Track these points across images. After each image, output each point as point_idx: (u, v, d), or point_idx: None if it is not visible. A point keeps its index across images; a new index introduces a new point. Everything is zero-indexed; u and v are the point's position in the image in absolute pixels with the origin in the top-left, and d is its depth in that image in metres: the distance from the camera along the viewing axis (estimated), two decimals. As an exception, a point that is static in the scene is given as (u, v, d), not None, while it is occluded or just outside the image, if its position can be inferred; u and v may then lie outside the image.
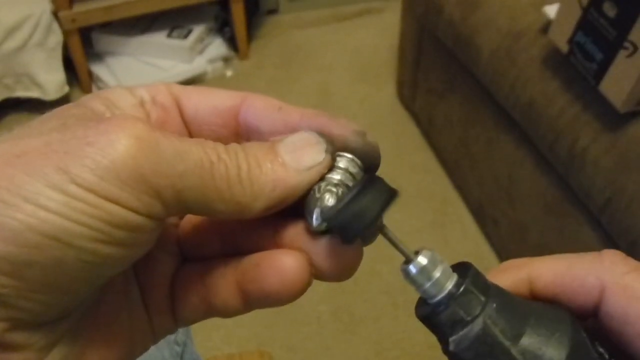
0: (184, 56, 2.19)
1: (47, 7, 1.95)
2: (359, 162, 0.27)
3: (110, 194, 0.22)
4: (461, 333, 0.25)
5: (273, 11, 2.52)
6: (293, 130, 0.27)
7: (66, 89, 2.08)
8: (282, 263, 0.26)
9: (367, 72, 2.24)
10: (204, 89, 0.29)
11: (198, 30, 2.22)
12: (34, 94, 2.03)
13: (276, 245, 0.27)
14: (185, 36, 2.19)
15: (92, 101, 0.27)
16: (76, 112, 0.26)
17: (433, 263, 0.26)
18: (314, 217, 0.26)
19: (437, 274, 0.26)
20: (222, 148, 0.25)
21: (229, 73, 2.27)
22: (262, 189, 0.25)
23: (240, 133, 0.29)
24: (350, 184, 0.26)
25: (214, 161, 0.24)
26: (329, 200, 0.26)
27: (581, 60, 1.10)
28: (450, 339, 0.25)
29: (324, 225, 0.26)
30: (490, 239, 1.65)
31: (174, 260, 0.30)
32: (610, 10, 1.01)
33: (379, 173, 0.28)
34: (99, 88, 2.18)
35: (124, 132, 0.22)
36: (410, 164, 1.89)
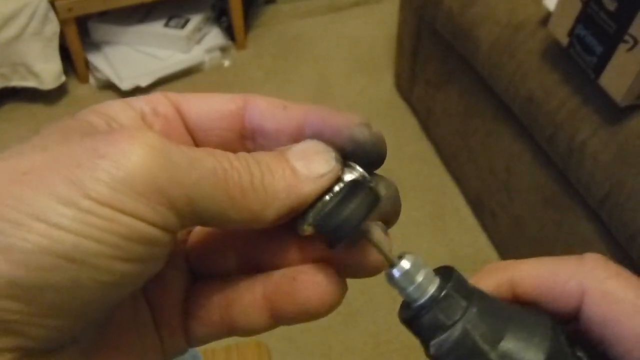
0: (181, 46, 2.18)
1: (43, -4, 1.94)
2: (361, 171, 0.27)
3: (127, 207, 0.21)
4: (441, 337, 0.25)
5: (271, 1, 2.51)
6: (299, 127, 0.27)
7: (63, 78, 2.07)
8: (320, 278, 0.26)
9: (365, 62, 2.24)
10: (203, 94, 0.29)
11: (195, 19, 2.21)
12: (30, 83, 2.02)
13: (302, 258, 0.27)
14: (183, 26, 2.18)
15: (90, 116, 0.26)
16: (76, 125, 0.25)
17: (416, 267, 0.26)
18: (306, 220, 0.26)
19: (419, 278, 0.26)
20: (233, 156, 0.24)
21: (226, 63, 2.26)
22: (275, 197, 0.25)
23: (245, 135, 0.28)
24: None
25: (227, 169, 0.23)
26: (324, 206, 0.26)
27: (581, 54, 1.10)
28: (431, 343, 0.26)
29: (310, 229, 0.26)
30: (488, 231, 1.64)
31: (184, 278, 0.29)
32: (610, 3, 1.01)
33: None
34: (96, 77, 2.17)
35: (136, 142, 0.21)
36: (408, 155, 1.89)
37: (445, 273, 0.27)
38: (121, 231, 0.21)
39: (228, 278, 0.28)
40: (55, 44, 2.01)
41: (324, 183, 0.26)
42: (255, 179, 0.24)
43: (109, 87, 2.16)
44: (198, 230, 0.29)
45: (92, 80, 2.20)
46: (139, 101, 0.27)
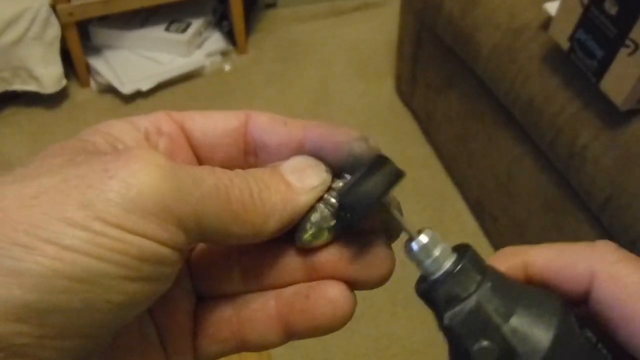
0: (182, 50, 2.18)
1: (45, 0, 1.94)
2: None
3: (138, 227, 0.21)
4: (456, 309, 0.26)
5: (271, 5, 2.51)
6: (300, 142, 0.28)
7: (64, 82, 2.07)
8: (333, 294, 0.27)
9: (366, 67, 2.24)
10: (205, 112, 0.29)
11: (196, 24, 2.21)
12: (31, 87, 2.02)
13: (307, 274, 0.28)
14: (184, 30, 2.19)
15: (93, 136, 0.26)
16: (80, 146, 0.25)
17: (434, 242, 0.27)
18: (306, 227, 0.27)
19: (436, 252, 0.27)
20: (232, 173, 0.25)
21: (227, 67, 2.26)
22: (274, 209, 0.26)
23: (248, 150, 0.29)
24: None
25: (227, 185, 0.24)
26: (321, 214, 0.27)
27: (582, 58, 1.10)
28: (445, 314, 0.26)
29: (309, 238, 0.27)
30: (489, 236, 1.64)
31: (191, 297, 0.29)
32: (611, 8, 1.01)
33: None
34: (97, 82, 2.17)
35: (143, 162, 0.22)
36: (408, 159, 1.89)
37: (461, 249, 0.28)
38: (132, 251, 0.21)
39: (236, 296, 0.29)
40: (56, 48, 2.02)
41: (317, 194, 0.27)
42: (254, 193, 0.25)
43: (110, 91, 2.16)
44: (201, 250, 0.30)
45: (93, 84, 2.20)
46: (143, 120, 0.28)
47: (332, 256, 0.28)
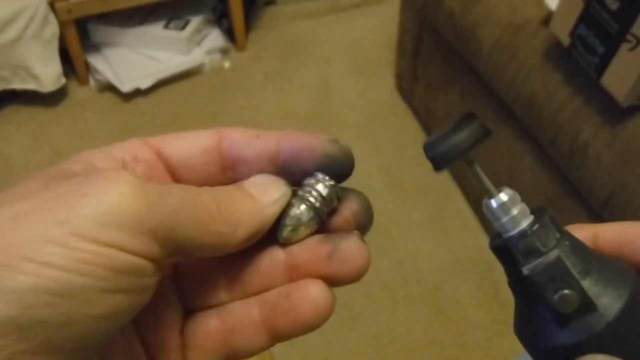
0: (181, 48, 2.18)
1: (43, -2, 1.93)
2: (331, 183, 0.30)
3: (113, 240, 0.22)
4: (537, 261, 0.27)
5: (271, 2, 2.51)
6: (276, 151, 0.29)
7: (63, 80, 2.07)
8: (313, 292, 0.28)
9: (366, 64, 2.23)
10: (178, 133, 0.30)
11: (195, 21, 2.21)
12: (30, 86, 2.02)
13: (290, 276, 0.29)
14: (183, 27, 2.18)
15: (70, 164, 0.27)
16: (56, 173, 0.26)
17: (513, 201, 0.28)
18: (286, 223, 0.29)
19: (515, 211, 0.28)
20: (199, 188, 0.26)
21: (226, 65, 2.25)
22: (241, 219, 0.27)
23: (226, 165, 0.30)
24: (318, 201, 0.29)
25: (195, 198, 0.25)
26: (292, 209, 0.29)
27: (583, 54, 1.09)
28: (525, 267, 0.27)
29: (290, 233, 0.29)
30: (490, 233, 1.64)
31: (178, 312, 0.30)
32: (612, 3, 1.00)
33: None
34: (96, 80, 2.17)
35: (114, 180, 0.23)
36: (409, 156, 1.88)
37: (539, 212, 0.29)
38: (109, 264, 0.22)
39: (221, 306, 0.30)
40: (54, 46, 2.01)
41: (279, 206, 0.28)
42: (221, 205, 0.26)
43: (109, 89, 2.15)
44: (187, 265, 0.31)
45: (92, 82, 2.19)
46: (118, 150, 0.29)
47: (310, 255, 0.29)
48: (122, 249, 0.22)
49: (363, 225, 0.31)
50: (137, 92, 2.12)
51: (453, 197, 1.76)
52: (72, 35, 2.07)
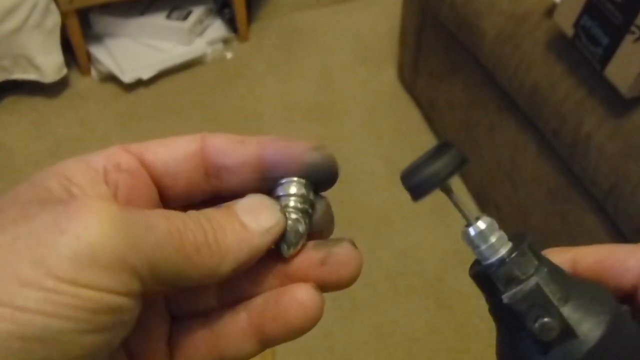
0: (183, 38, 2.17)
1: (44, -12, 1.93)
2: (304, 181, 0.29)
3: (91, 281, 0.21)
4: (516, 289, 0.27)
5: (273, -8, 2.50)
6: (259, 159, 0.29)
7: (64, 70, 2.07)
8: (302, 296, 0.28)
9: (368, 54, 2.23)
10: (162, 140, 0.29)
11: (198, 11, 2.20)
12: (32, 76, 2.02)
13: (280, 281, 0.29)
14: (185, 18, 2.17)
15: (47, 181, 0.25)
16: (32, 195, 0.24)
17: (491, 229, 0.28)
18: (293, 240, 0.29)
19: (493, 239, 0.28)
20: (186, 216, 0.25)
21: (228, 55, 2.25)
22: (228, 251, 0.26)
23: (210, 173, 0.29)
24: (304, 205, 0.29)
25: (181, 230, 0.24)
26: (296, 224, 0.29)
27: (586, 45, 1.09)
28: (504, 295, 0.27)
29: (292, 250, 0.29)
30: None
31: (165, 322, 0.29)
32: (617, -7, 1.00)
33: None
34: (98, 70, 2.17)
35: (95, 213, 0.22)
36: (411, 147, 1.88)
37: (517, 238, 0.29)
38: (87, 305, 0.21)
39: (209, 312, 0.29)
40: (56, 36, 2.01)
41: (272, 235, 0.27)
42: (209, 236, 0.25)
43: (111, 80, 2.15)
44: None
45: (94, 72, 2.19)
46: (99, 158, 0.27)
47: (304, 262, 0.29)
48: (101, 289, 0.21)
49: (322, 231, 0.30)
50: (139, 83, 2.11)
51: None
52: (74, 25, 2.06)
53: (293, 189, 0.29)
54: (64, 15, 2.01)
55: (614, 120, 1.08)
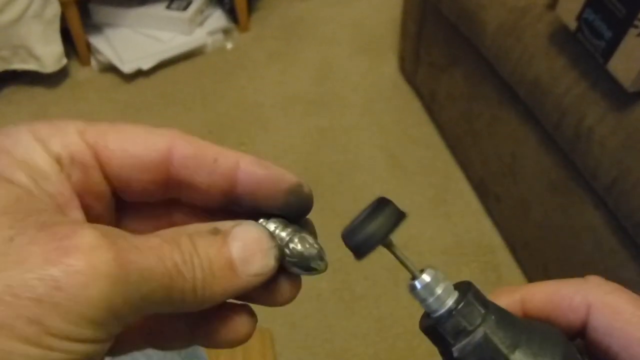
0: (183, 28, 2.16)
1: (43, -22, 1.91)
2: (284, 221, 0.29)
3: (84, 336, 0.21)
4: (464, 341, 0.27)
5: (273, -18, 2.48)
6: (231, 184, 0.27)
7: (64, 61, 2.06)
8: (232, 319, 0.28)
9: (369, 45, 2.22)
10: (124, 132, 0.27)
11: (198, 1, 2.19)
12: (31, 66, 2.01)
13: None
14: (185, 8, 2.16)
15: (12, 171, 0.24)
16: (8, 198, 0.23)
17: (436, 281, 0.28)
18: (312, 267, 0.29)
19: (439, 290, 0.28)
20: (180, 258, 0.24)
21: (229, 45, 2.24)
22: (213, 296, 0.26)
23: (171, 186, 0.28)
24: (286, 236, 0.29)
25: (173, 276, 0.24)
26: (309, 250, 0.29)
27: (589, 38, 1.08)
28: (454, 348, 0.28)
29: (296, 269, 0.29)
30: (493, 216, 1.64)
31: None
32: (620, -14, 0.99)
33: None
34: (98, 60, 2.16)
35: (95, 271, 0.21)
36: (411, 138, 1.88)
37: (463, 286, 0.29)
38: (78, 357, 0.22)
39: (154, 319, 0.29)
40: (56, 26, 1.99)
41: (259, 280, 0.27)
42: (197, 282, 0.25)
43: (111, 70, 2.14)
44: None
45: (93, 62, 2.18)
46: (56, 143, 0.25)
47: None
48: (93, 342, 0.22)
49: (307, 266, 0.30)
50: (139, 73, 2.11)
51: (456, 180, 1.76)
52: (74, 15, 2.05)
53: (272, 227, 0.28)
54: (63, 5, 1.99)
55: (616, 114, 1.07)
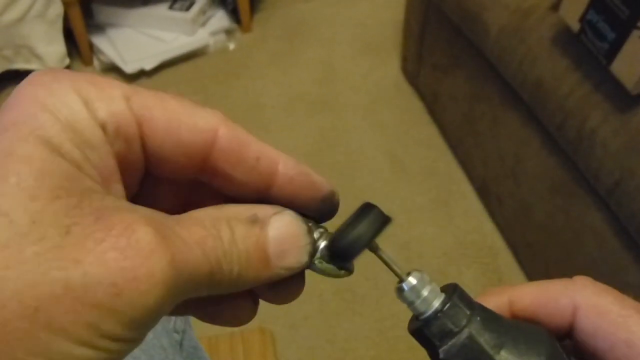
0: (186, 28, 2.16)
1: (46, -22, 1.92)
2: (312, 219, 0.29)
3: (132, 337, 0.22)
4: (450, 343, 0.28)
5: (276, -18, 2.49)
6: (267, 185, 0.27)
7: (67, 60, 2.06)
8: (238, 304, 0.29)
9: (372, 46, 2.22)
10: (171, 108, 0.25)
11: (200, 2, 2.19)
12: (34, 66, 2.01)
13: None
14: (188, 8, 2.17)
15: (56, 133, 0.22)
16: (55, 171, 0.21)
17: (422, 283, 0.29)
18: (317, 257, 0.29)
19: (425, 292, 0.28)
20: (222, 251, 0.24)
21: (231, 46, 2.24)
22: (243, 285, 0.26)
23: (205, 170, 0.26)
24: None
25: (214, 272, 0.24)
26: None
27: (592, 40, 1.08)
28: (440, 350, 0.28)
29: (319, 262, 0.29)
30: (494, 217, 1.63)
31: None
32: (623, -12, 0.99)
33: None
34: (100, 60, 2.16)
35: (152, 277, 0.21)
36: (414, 139, 1.88)
37: (449, 288, 0.29)
38: (122, 355, 0.22)
39: None
40: (58, 26, 2.00)
41: (288, 274, 0.27)
42: (233, 274, 0.25)
43: (113, 70, 2.14)
44: None
45: (96, 63, 2.18)
46: (102, 110, 0.23)
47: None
48: (136, 340, 0.22)
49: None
50: (141, 73, 2.11)
51: (458, 181, 1.76)
52: (76, 15, 2.05)
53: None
54: (66, 5, 2.00)
55: (618, 116, 1.07)
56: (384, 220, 0.28)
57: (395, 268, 0.29)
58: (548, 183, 1.33)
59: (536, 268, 1.47)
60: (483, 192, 1.67)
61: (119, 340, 0.21)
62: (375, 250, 0.29)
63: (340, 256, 0.28)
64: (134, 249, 0.21)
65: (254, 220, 0.26)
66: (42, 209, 0.20)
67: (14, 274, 0.19)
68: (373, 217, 0.28)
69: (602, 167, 1.09)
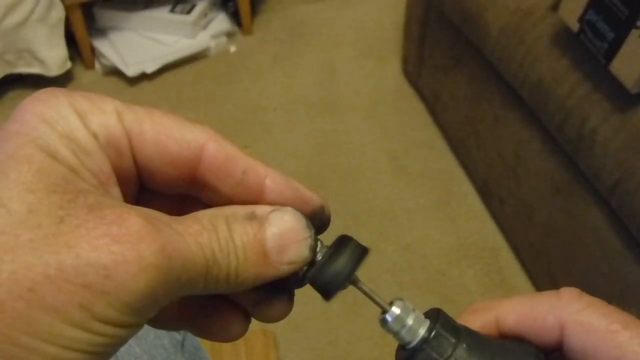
0: (187, 31, 2.17)
1: (48, -18, 1.92)
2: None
3: (126, 322, 0.22)
4: None
5: (277, -15, 2.49)
6: (255, 198, 0.27)
7: (68, 64, 2.07)
8: (228, 319, 0.29)
9: (372, 47, 2.22)
10: (160, 123, 0.26)
11: (201, 5, 2.20)
12: (35, 70, 2.02)
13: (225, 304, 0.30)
14: (189, 11, 2.17)
15: (54, 141, 0.23)
16: (53, 175, 0.23)
17: (406, 312, 0.28)
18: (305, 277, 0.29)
19: (410, 321, 0.28)
20: (217, 246, 0.25)
21: (232, 48, 2.24)
22: (244, 282, 0.26)
23: (195, 184, 0.27)
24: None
25: (210, 265, 0.25)
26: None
27: (592, 39, 1.08)
28: None
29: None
30: (496, 218, 1.64)
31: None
32: (622, -12, 0.99)
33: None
34: (102, 64, 2.16)
35: (142, 260, 0.22)
36: (415, 141, 1.88)
37: (433, 315, 0.29)
38: (119, 341, 0.23)
39: None
40: (60, 29, 2.00)
41: (291, 269, 0.27)
42: (231, 270, 0.25)
43: (115, 73, 2.15)
44: None
45: (98, 66, 2.19)
46: (94, 122, 0.25)
47: (244, 299, 0.29)
48: (132, 326, 0.23)
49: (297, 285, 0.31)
50: (143, 76, 2.11)
51: (459, 182, 1.76)
52: (78, 19, 2.06)
53: None
54: (68, 9, 2.00)
55: (619, 116, 1.07)
56: (362, 253, 0.28)
57: (377, 299, 0.29)
58: (549, 183, 1.33)
59: (538, 268, 1.47)
60: (484, 192, 1.67)
61: (113, 324, 0.22)
62: (355, 282, 0.29)
63: (321, 292, 0.28)
64: (124, 235, 0.22)
65: (252, 217, 0.27)
66: (38, 201, 0.22)
67: (9, 257, 0.20)
68: (350, 250, 0.28)
69: (602, 166, 1.09)
